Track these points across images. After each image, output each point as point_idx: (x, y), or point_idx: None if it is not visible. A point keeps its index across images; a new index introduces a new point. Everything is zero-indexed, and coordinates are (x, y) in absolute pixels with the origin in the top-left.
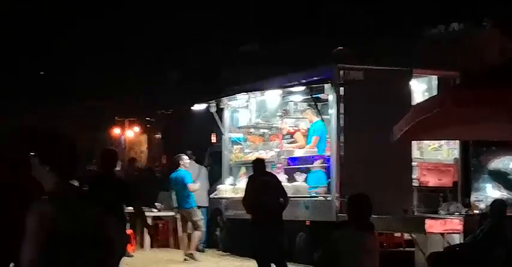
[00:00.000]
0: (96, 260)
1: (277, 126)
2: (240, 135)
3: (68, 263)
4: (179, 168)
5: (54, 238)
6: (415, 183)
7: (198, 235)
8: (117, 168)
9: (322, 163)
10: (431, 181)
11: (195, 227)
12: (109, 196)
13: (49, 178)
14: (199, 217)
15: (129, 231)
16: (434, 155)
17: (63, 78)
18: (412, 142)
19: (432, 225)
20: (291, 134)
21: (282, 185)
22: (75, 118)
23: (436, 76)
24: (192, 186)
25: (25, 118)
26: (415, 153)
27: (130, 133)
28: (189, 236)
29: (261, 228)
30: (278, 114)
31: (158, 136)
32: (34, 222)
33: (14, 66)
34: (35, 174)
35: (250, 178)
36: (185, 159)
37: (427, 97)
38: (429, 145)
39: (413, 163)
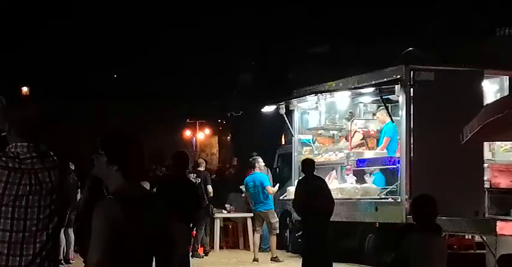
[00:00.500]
0: (159, 260)
1: (347, 128)
2: (310, 137)
3: (132, 263)
4: (255, 171)
5: (119, 238)
6: (487, 185)
7: (274, 239)
8: (201, 168)
9: (382, 164)
10: (503, 182)
11: (272, 228)
12: (177, 198)
13: (115, 178)
14: (276, 218)
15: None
16: (506, 156)
17: (136, 81)
18: (484, 143)
19: (503, 227)
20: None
21: (329, 189)
22: (148, 120)
23: (507, 76)
24: (270, 189)
25: (100, 120)
26: (487, 154)
27: (201, 135)
28: (261, 238)
29: (311, 230)
30: (346, 116)
31: (228, 138)
32: (100, 222)
33: (91, 69)
34: (98, 174)
35: (300, 181)
36: (261, 162)
37: (498, 98)
38: (501, 146)
39: (484, 165)
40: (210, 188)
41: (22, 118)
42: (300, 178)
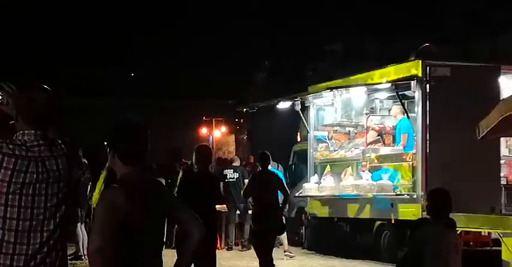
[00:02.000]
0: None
1: (363, 124)
2: (325, 133)
3: (138, 250)
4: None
5: (123, 225)
6: (503, 181)
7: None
8: (236, 164)
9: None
10: None
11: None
12: (202, 193)
13: (118, 166)
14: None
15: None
16: None
17: (153, 79)
18: (500, 139)
19: None
20: (377, 132)
21: (283, 183)
22: (164, 118)
23: None
24: None
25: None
26: (503, 151)
27: (217, 133)
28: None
29: (261, 223)
30: (365, 112)
31: (245, 136)
32: (103, 210)
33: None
34: (111, 164)
35: (255, 175)
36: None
37: None
38: None
39: (501, 161)
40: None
41: (30, 105)
42: (256, 172)
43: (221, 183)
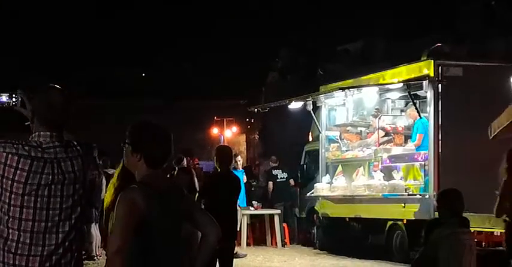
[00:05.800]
0: (186, 249)
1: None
2: (337, 133)
3: (157, 251)
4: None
5: (143, 226)
6: None
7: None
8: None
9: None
10: None
11: None
12: (225, 194)
13: (140, 168)
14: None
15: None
16: None
17: (164, 79)
18: None
19: None
20: (388, 132)
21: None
22: (176, 117)
23: None
24: None
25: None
26: None
27: (228, 133)
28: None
29: None
30: (372, 112)
31: (256, 135)
32: (123, 210)
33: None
34: (127, 164)
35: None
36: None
37: None
38: None
39: None
40: (291, 181)
41: (45, 107)
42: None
43: (271, 183)
